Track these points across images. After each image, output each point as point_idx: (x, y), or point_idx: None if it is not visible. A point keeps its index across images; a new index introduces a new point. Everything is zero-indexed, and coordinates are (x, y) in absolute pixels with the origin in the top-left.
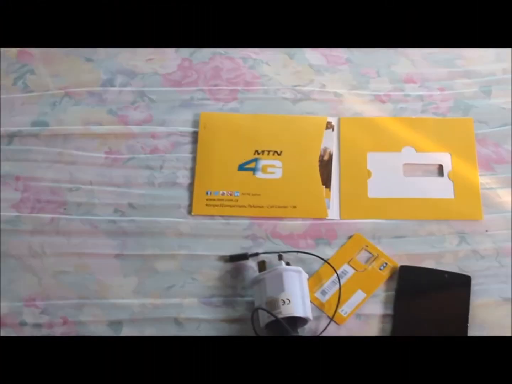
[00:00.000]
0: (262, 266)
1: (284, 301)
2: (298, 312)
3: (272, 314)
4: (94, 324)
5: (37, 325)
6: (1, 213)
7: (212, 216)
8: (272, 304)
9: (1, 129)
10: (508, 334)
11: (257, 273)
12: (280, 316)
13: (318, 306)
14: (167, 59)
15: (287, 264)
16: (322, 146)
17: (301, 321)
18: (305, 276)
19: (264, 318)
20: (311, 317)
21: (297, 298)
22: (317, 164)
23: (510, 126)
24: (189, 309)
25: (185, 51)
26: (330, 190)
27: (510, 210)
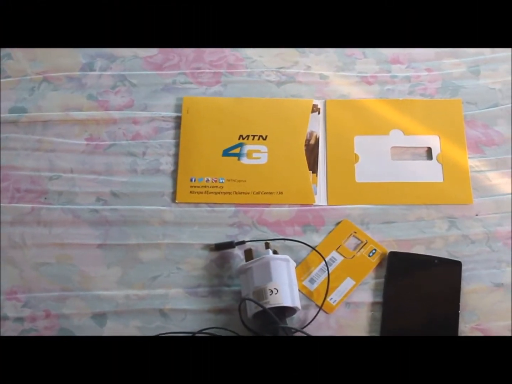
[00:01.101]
0: (248, 254)
1: (272, 291)
2: (286, 302)
3: (259, 305)
4: (78, 317)
5: (19, 319)
6: None
7: (196, 204)
8: (260, 294)
9: None
10: (499, 320)
11: (243, 262)
12: (268, 306)
13: (307, 294)
14: None
15: (275, 252)
16: (308, 130)
17: (290, 310)
18: (292, 264)
19: (251, 308)
20: (299, 307)
21: (285, 287)
22: (303, 148)
23: (499, 107)
24: (175, 300)
25: None
26: (317, 175)
27: (500, 193)
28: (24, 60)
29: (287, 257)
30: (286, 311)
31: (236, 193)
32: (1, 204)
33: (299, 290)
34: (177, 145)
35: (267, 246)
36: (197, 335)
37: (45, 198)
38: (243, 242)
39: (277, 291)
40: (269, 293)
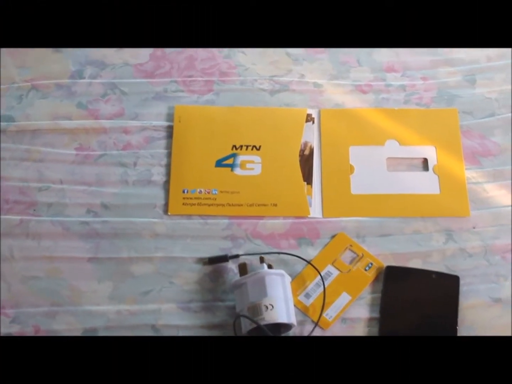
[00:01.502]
0: (243, 269)
1: (267, 307)
2: (282, 318)
3: (254, 322)
4: (68, 333)
5: (8, 335)
6: None
7: (189, 216)
8: (255, 310)
9: None
10: (498, 335)
11: (237, 276)
12: (263, 322)
13: (302, 310)
14: (138, 49)
15: (269, 266)
16: (303, 140)
17: (285, 327)
18: (288, 279)
19: (246, 325)
20: (295, 323)
21: (281, 303)
22: (297, 159)
23: (495, 117)
24: (167, 315)
25: None
26: (311, 186)
27: (497, 205)
28: (12, 67)
29: (282, 271)
30: (281, 327)
31: (229, 205)
32: None
33: (294, 305)
34: (169, 156)
35: (261, 260)
36: None
37: (34, 210)
38: (237, 256)
39: (273, 307)
40: (264, 309)
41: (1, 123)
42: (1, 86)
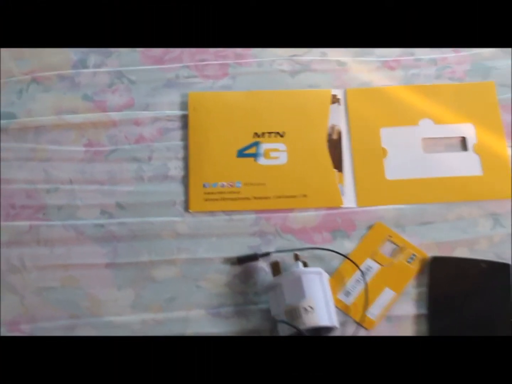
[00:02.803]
0: (275, 268)
1: (306, 309)
2: (324, 321)
3: (294, 327)
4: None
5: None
6: None
7: (212, 212)
8: (293, 314)
9: None
10: None
11: (270, 276)
12: (303, 327)
13: (343, 309)
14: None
15: (304, 264)
16: (329, 124)
17: (327, 330)
18: (326, 277)
19: (284, 330)
20: (337, 325)
21: (321, 304)
22: (325, 144)
23: None
24: (196, 323)
25: None
26: (343, 174)
27: None
28: (10, 59)
29: (320, 269)
30: (322, 330)
31: (255, 198)
32: None
33: (335, 306)
34: (185, 147)
35: (296, 257)
36: None
37: (44, 214)
38: (267, 254)
39: (312, 309)
40: (303, 312)
41: (2, 121)
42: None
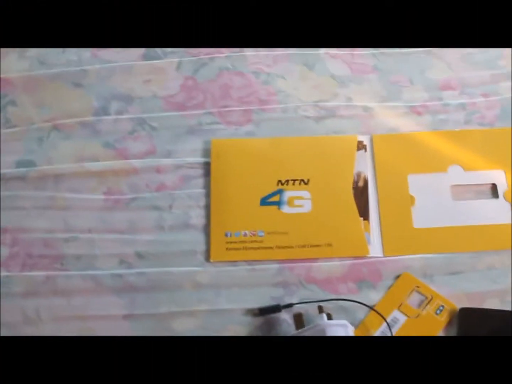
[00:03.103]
0: (299, 320)
1: None
2: None
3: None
4: None
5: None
6: None
7: (234, 262)
8: None
9: None
10: None
11: (293, 328)
12: None
13: None
14: (167, 79)
15: (329, 316)
16: (355, 171)
17: None
18: (351, 329)
19: None
20: None
21: None
22: (351, 192)
23: None
24: None
25: (187, 69)
26: (369, 222)
27: None
28: (30, 106)
29: (345, 322)
30: None
31: (278, 247)
32: (12, 273)
33: None
34: (207, 195)
35: (320, 310)
36: None
37: (62, 264)
38: (290, 305)
39: None
40: None
41: (21, 169)
42: (19, 128)
